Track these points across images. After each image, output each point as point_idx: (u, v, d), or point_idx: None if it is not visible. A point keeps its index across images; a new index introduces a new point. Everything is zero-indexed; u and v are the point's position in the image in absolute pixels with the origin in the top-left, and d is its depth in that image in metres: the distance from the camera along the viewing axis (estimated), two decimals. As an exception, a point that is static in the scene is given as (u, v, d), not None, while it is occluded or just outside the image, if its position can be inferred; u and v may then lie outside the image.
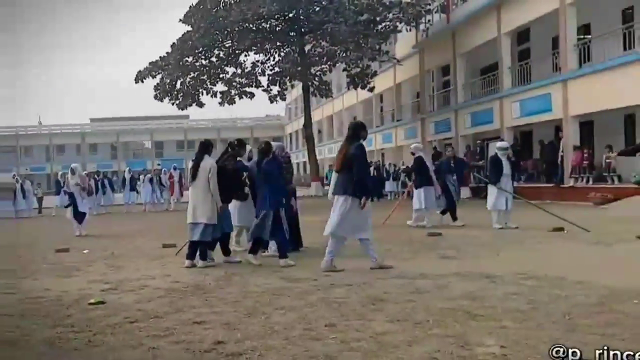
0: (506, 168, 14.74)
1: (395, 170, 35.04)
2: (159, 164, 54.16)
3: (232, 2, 37.80)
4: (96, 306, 7.01)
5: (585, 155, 24.23)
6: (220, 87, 42.33)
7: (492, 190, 14.83)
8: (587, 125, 26.60)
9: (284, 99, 46.49)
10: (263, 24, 39.53)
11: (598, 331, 5.27)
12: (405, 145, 42.30)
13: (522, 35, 31.36)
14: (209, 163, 10.15)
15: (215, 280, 8.66)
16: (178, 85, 41.39)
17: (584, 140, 25.91)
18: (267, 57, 42.26)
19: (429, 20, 38.01)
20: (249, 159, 11.31)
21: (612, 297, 6.61)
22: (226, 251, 10.61)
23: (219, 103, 42.45)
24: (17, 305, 7.23)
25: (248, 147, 11.51)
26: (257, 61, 42.48)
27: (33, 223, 24.53)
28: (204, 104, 42.81)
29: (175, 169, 30.85)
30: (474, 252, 10.86)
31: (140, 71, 40.53)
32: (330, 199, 9.63)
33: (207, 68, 41.25)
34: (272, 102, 43.71)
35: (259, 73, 42.38)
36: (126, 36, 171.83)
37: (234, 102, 42.59)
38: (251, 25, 38.64)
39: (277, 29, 40.20)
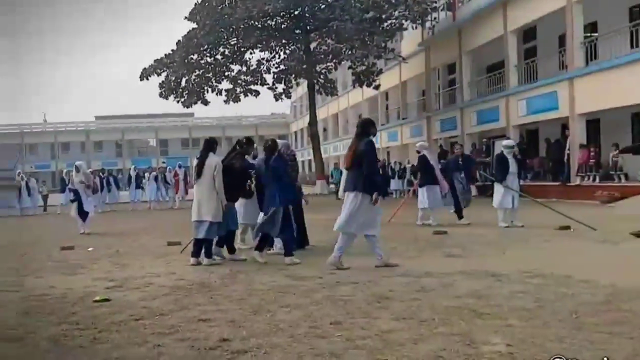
0: (512, 166, 14.69)
1: (400, 168, 34.98)
2: (163, 162, 54.20)
3: (238, -1, 37.78)
4: (101, 304, 7.01)
5: (592, 153, 24.16)
6: (225, 84, 42.42)
7: (498, 189, 14.78)
8: (593, 123, 26.54)
9: (289, 97, 46.55)
10: (268, 22, 39.55)
11: (605, 330, 5.24)
12: (411, 143, 42.24)
13: (528, 33, 31.28)
14: (214, 161, 10.13)
15: (221, 278, 8.65)
16: (183, 83, 41.44)
17: (591, 139, 25.84)
18: (273, 54, 42.25)
19: (435, 18, 37.94)
20: (254, 156, 11.28)
21: (618, 296, 6.58)
22: (231, 249, 10.59)
23: (224, 101, 42.53)
24: (21, 303, 7.23)
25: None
26: (263, 59, 42.50)
27: (38, 221, 24.56)
28: (209, 102, 42.92)
29: (180, 166, 30.80)
30: (480, 250, 10.83)
31: (145, 69, 40.59)
32: (341, 197, 9.60)
33: (212, 66, 41.29)
34: (277, 100, 43.71)
35: (264, 71, 42.41)
36: (131, 33, 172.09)
37: (239, 100, 42.65)
38: (256, 23, 38.67)
39: (283, 26, 40.21)
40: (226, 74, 42.01)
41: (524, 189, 17.49)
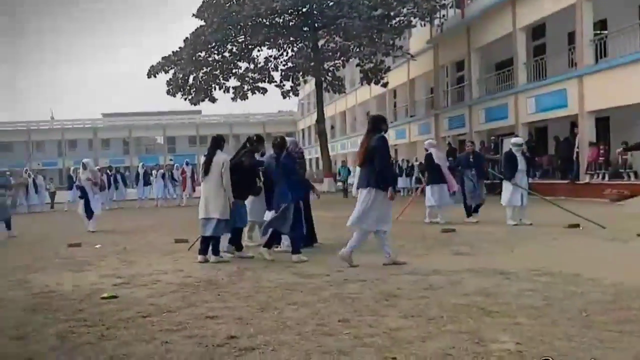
0: (521, 164, 14.65)
1: (408, 166, 34.93)
2: (171, 160, 54.33)
3: (246, -4, 37.77)
4: (108, 300, 7.00)
5: (601, 151, 24.09)
6: (232, 82, 42.49)
7: (507, 186, 14.74)
8: (603, 121, 26.45)
9: (296, 95, 46.51)
10: (276, 19, 39.56)
11: (614, 328, 5.22)
12: (419, 141, 42.22)
13: (537, 30, 31.20)
14: (221, 158, 10.11)
15: (228, 275, 8.64)
16: (191, 81, 41.50)
17: (600, 136, 25.78)
18: (280, 52, 42.29)
19: (443, 15, 37.92)
20: (262, 154, 11.25)
21: (628, 294, 6.55)
22: (238, 246, 10.58)
23: (232, 98, 42.55)
24: (29, 300, 7.23)
25: None
26: (270, 56, 42.53)
27: (45, 218, 24.59)
28: (217, 99, 42.95)
29: (187, 164, 30.77)
30: (488, 248, 10.80)
31: (152, 66, 40.66)
32: (355, 194, 9.56)
33: (219, 63, 41.34)
34: (284, 97, 43.71)
35: (271, 68, 42.45)
36: (139, 31, 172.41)
37: (247, 98, 42.72)
38: (264, 20, 38.68)
39: (291, 24, 40.21)
40: (234, 71, 42.06)
41: (533, 187, 17.43)
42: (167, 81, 41.34)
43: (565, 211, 14.35)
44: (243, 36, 40.20)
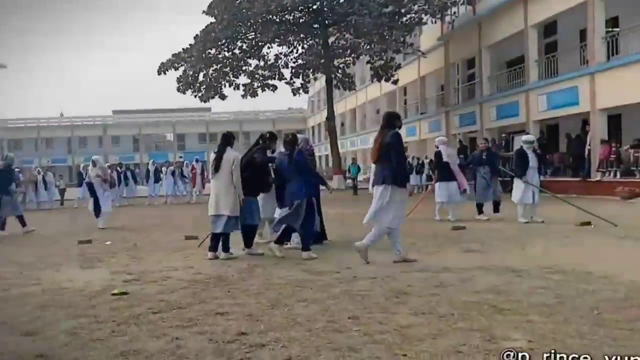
0: (532, 161, 14.60)
1: (418, 163, 34.86)
2: (181, 157, 54.38)
3: (256, -7, 37.76)
4: (119, 297, 7.01)
5: (613, 149, 23.99)
6: (242, 79, 42.48)
7: (518, 184, 14.68)
8: (614, 119, 26.35)
9: (306, 92, 46.58)
10: (286, 16, 39.55)
11: (626, 326, 5.21)
12: (429, 138, 42.14)
13: (549, 27, 31.07)
14: (232, 155, 10.10)
15: (238, 272, 8.64)
16: (201, 78, 41.56)
17: (612, 134, 25.68)
18: (290, 49, 42.28)
19: (454, 12, 37.81)
20: (272, 151, 11.24)
21: (639, 292, 6.52)
22: (248, 243, 10.57)
23: (242, 95, 42.58)
24: (40, 296, 7.23)
25: None
26: (280, 53, 42.56)
27: (55, 215, 24.64)
28: (227, 97, 42.95)
29: (197, 161, 30.79)
30: (499, 246, 10.76)
31: (163, 63, 40.71)
32: (371, 192, 9.53)
33: (229, 60, 41.36)
34: (294, 94, 43.80)
35: (281, 65, 42.45)
36: (149, 28, 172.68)
37: (257, 95, 42.74)
38: (274, 17, 38.67)
39: (301, 20, 40.19)
40: (244, 68, 42.08)
41: (544, 184, 17.36)
42: (177, 78, 41.40)
43: (577, 209, 14.31)
44: (253, 33, 40.21)
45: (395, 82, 41.23)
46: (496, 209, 15.73)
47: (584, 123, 26.88)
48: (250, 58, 41.92)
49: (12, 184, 16.54)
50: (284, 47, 42.06)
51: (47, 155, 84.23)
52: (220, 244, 10.08)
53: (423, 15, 36.46)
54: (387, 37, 36.70)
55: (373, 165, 9.56)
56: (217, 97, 42.56)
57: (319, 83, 60.41)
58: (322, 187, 11.41)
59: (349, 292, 6.91)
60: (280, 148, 10.78)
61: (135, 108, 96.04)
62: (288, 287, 7.35)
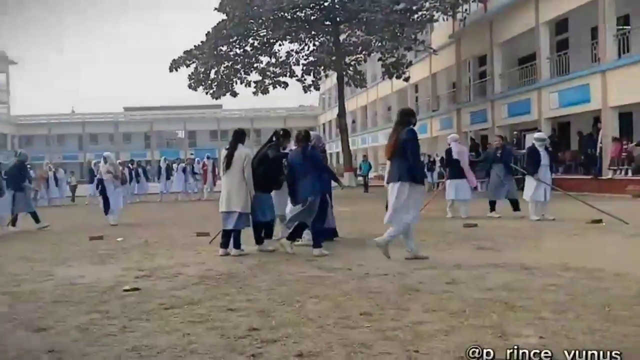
0: (544, 159, 14.56)
1: (429, 161, 34.80)
2: (192, 154, 54.46)
3: (268, -10, 37.75)
4: (131, 293, 7.02)
5: (624, 147, 23.89)
6: (254, 76, 42.46)
7: (530, 182, 14.65)
8: (626, 117, 26.22)
9: (317, 89, 46.45)
10: (298, 13, 39.56)
11: (637, 322, 5.21)
12: (441, 135, 42.15)
13: (560, 25, 30.98)
14: (243, 152, 10.09)
15: (249, 268, 8.64)
16: (212, 75, 41.55)
17: (623, 132, 25.57)
18: (302, 46, 42.29)
19: (466, 10, 37.68)
20: (284, 148, 11.22)
21: (651, 289, 6.51)
22: (259, 240, 10.57)
23: (253, 92, 42.54)
24: (51, 292, 7.25)
25: None
26: (292, 50, 42.56)
27: (66, 211, 24.70)
28: (238, 94, 42.92)
29: (208, 158, 30.76)
30: (511, 243, 10.73)
31: (174, 60, 40.72)
32: (387, 187, 9.48)
33: (241, 57, 41.37)
34: (306, 92, 43.77)
35: (293, 62, 42.44)
36: (161, 24, 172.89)
37: (268, 92, 42.66)
38: (286, 14, 38.69)
39: (312, 18, 40.16)
40: (255, 65, 42.08)
41: (555, 182, 17.30)
42: (189, 75, 41.44)
43: (588, 206, 14.26)
44: (265, 30, 40.22)
45: (406, 80, 41.16)
46: (516, 207, 15.56)
47: (596, 121, 26.83)
48: (261, 55, 41.92)
49: (26, 180, 16.60)
50: (296, 44, 42.11)
51: (58, 152, 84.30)
52: (232, 240, 10.09)
53: (434, 13, 36.43)
54: (398, 34, 36.62)
55: (388, 162, 9.50)
56: (228, 94, 42.57)
57: (330, 80, 60.41)
58: (333, 184, 11.39)
59: (361, 288, 6.90)
60: (291, 146, 10.76)
61: (146, 105, 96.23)
62: (299, 283, 7.35)
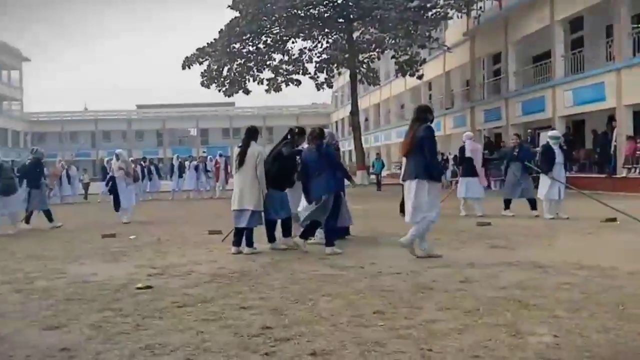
0: (559, 157, 14.51)
1: (442, 159, 34.71)
2: (204, 152, 54.50)
3: (281, -13, 37.70)
4: (143, 291, 7.02)
5: (639, 145, 23.75)
6: (267, 74, 42.45)
7: (544, 180, 14.59)
8: (641, 115, 26.09)
9: (330, 87, 46.42)
10: (311, 10, 39.51)
11: (651, 321, 5.18)
12: (454, 133, 42.02)
13: (575, 23, 30.81)
14: (256, 149, 10.06)
15: (262, 266, 8.64)
16: (225, 72, 41.56)
17: (638, 130, 25.43)
18: (315, 43, 42.23)
19: (480, 7, 37.50)
20: (297, 146, 11.17)
21: (666, 288, 6.48)
22: (272, 238, 10.55)
23: (266, 90, 42.52)
24: (64, 290, 7.26)
25: None
26: (305, 48, 42.52)
27: (79, 209, 24.76)
28: (251, 91, 42.91)
29: (221, 155, 30.73)
30: (524, 241, 10.71)
31: (187, 57, 40.76)
32: (404, 185, 9.43)
33: (254, 55, 41.35)
34: (318, 89, 43.67)
35: (306, 60, 42.41)
36: (174, 21, 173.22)
37: (281, 90, 42.67)
38: (299, 12, 38.65)
39: (326, 15, 40.11)
40: (268, 63, 42.08)
41: (570, 180, 17.22)
42: (202, 73, 41.47)
43: (603, 205, 14.18)
44: (278, 28, 40.19)
45: (420, 77, 41.01)
46: (533, 206, 15.45)
47: (610, 119, 26.67)
48: (274, 52, 41.91)
49: (42, 178, 16.65)
50: (309, 41, 42.01)
51: (70, 149, 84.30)
52: (244, 238, 10.08)
53: (449, 10, 36.34)
54: (412, 31, 36.47)
55: (404, 159, 9.46)
56: (241, 91, 42.58)
57: (343, 78, 60.26)
58: (346, 182, 11.35)
59: (374, 287, 6.89)
60: (303, 144, 10.71)
61: (159, 102, 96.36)
62: (312, 281, 7.33)
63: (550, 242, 10.55)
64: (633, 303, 5.81)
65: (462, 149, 16.17)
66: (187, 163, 30.69)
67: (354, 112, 42.67)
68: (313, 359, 4.46)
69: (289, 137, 10.65)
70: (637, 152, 23.72)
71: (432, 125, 9.13)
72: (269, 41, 41.13)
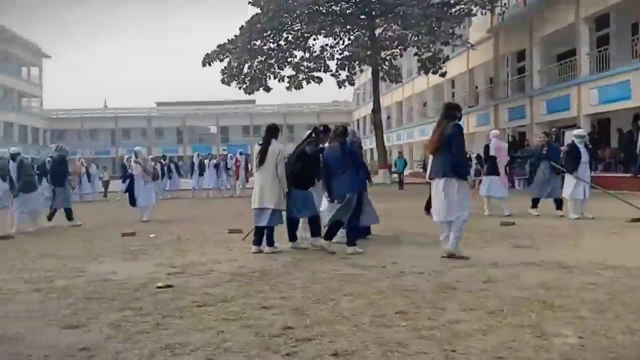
0: (584, 156, 14.39)
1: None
2: (224, 149, 54.77)
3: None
4: (164, 290, 7.02)
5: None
6: (288, 71, 42.34)
7: (569, 179, 14.46)
8: (667, 114, 25.83)
9: (352, 84, 46.24)
10: (333, 7, 39.37)
11: (678, 322, 5.13)
12: (478, 132, 41.81)
13: (600, 20, 30.49)
14: (277, 147, 10.01)
15: (283, 265, 8.61)
16: (245, 69, 41.47)
17: (664, 129, 25.15)
18: (337, 40, 42.05)
19: (504, 4, 37.19)
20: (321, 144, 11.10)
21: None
22: (293, 237, 10.50)
23: (286, 88, 42.42)
24: (84, 288, 7.26)
25: None
26: (326, 45, 42.35)
27: (98, 207, 24.81)
28: (271, 89, 42.79)
29: (241, 153, 30.68)
30: (549, 241, 10.62)
31: (207, 54, 40.71)
32: (431, 183, 9.34)
33: (275, 52, 41.24)
34: (340, 87, 43.51)
35: (327, 57, 42.26)
36: (194, 18, 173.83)
37: (302, 87, 42.52)
38: (321, 8, 38.50)
39: (348, 11, 39.97)
40: (289, 60, 41.97)
41: (594, 180, 17.04)
42: (222, 70, 41.40)
43: (628, 205, 14.07)
44: (299, 24, 40.08)
45: (443, 75, 40.72)
46: (559, 206, 15.28)
47: (635, 118, 26.42)
48: (295, 49, 41.80)
49: (67, 175, 16.71)
50: (330, 38, 41.84)
51: (90, 147, 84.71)
52: (265, 237, 10.03)
53: (472, 7, 36.09)
54: (435, 28, 36.28)
55: (431, 157, 9.38)
56: (261, 89, 42.50)
57: (365, 75, 60.16)
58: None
59: (396, 286, 6.84)
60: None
61: (178, 100, 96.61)
62: (334, 281, 7.29)
63: (575, 242, 10.47)
64: (659, 304, 5.75)
65: (487, 147, 16.07)
66: (206, 161, 30.69)
67: (376, 109, 42.48)
68: (335, 359, 4.42)
69: (313, 135, 10.56)
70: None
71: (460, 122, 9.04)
72: (290, 38, 41.02)
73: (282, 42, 41.10)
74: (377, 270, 7.97)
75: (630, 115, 27.36)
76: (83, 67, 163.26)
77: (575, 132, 15.57)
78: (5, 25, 67.59)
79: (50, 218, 16.03)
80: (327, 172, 9.99)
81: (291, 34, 40.84)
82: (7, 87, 71.24)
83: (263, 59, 41.39)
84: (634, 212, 13.40)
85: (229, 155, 31.29)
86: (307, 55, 42.05)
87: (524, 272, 7.53)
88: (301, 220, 10.71)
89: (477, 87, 45.76)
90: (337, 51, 42.42)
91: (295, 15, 38.82)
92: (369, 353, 4.50)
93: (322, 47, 42.35)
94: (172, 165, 31.59)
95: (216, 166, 29.95)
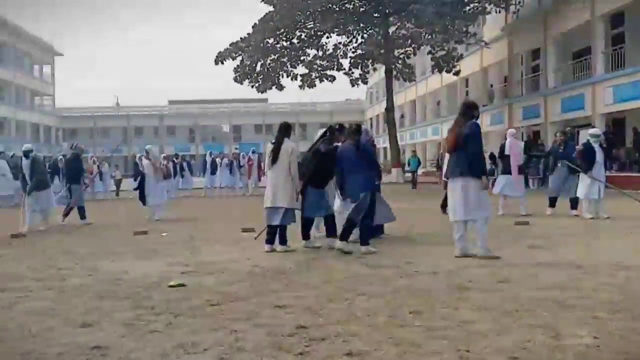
0: (599, 155, 14.28)
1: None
2: (236, 148, 54.69)
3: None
4: (176, 288, 7.01)
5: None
6: (300, 69, 42.20)
7: (584, 179, 14.37)
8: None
9: (365, 83, 46.11)
10: (346, 5, 39.31)
11: (694, 322, 5.10)
12: (491, 131, 41.61)
13: (616, 18, 30.35)
14: (290, 146, 9.99)
15: (296, 264, 8.59)
16: (258, 68, 41.40)
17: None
18: (350, 39, 41.91)
19: (519, 2, 37.00)
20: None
21: None
22: (306, 236, 10.47)
23: (299, 86, 42.29)
24: (96, 287, 7.27)
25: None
26: (339, 43, 42.17)
27: (110, 205, 24.85)
28: (284, 87, 42.72)
29: (254, 152, 30.66)
30: (564, 241, 10.55)
31: (220, 52, 40.68)
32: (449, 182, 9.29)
33: (288, 50, 41.18)
34: (353, 85, 43.39)
35: (340, 55, 42.09)
36: (207, 16, 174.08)
37: (315, 86, 42.39)
38: (334, 6, 38.44)
39: (361, 9, 39.88)
40: (302, 58, 41.85)
41: (609, 179, 16.93)
42: (235, 68, 41.38)
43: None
44: (312, 22, 40.02)
45: (457, 74, 40.53)
46: (574, 206, 15.21)
47: (651, 117, 26.29)
48: (308, 48, 41.70)
49: (82, 173, 16.74)
50: (343, 36, 41.71)
51: (102, 145, 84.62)
52: (278, 236, 10.01)
53: (487, 5, 35.96)
54: (449, 26, 36.18)
55: (447, 156, 9.33)
56: (274, 87, 42.44)
57: (378, 74, 60.01)
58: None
59: (410, 286, 6.82)
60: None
61: (191, 98, 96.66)
62: (347, 280, 7.27)
63: (589, 242, 10.41)
64: (675, 304, 5.72)
65: (502, 146, 16.01)
66: (218, 160, 30.70)
67: (389, 108, 42.39)
68: (349, 359, 4.40)
69: (327, 134, 10.52)
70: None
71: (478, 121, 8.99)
72: (303, 36, 40.97)
73: (295, 41, 41.05)
74: (391, 269, 7.93)
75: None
76: (95, 65, 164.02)
77: (590, 131, 15.49)
78: (17, 23, 67.79)
79: (66, 216, 16.05)
80: (340, 170, 9.94)
81: (304, 32, 40.80)
82: (19, 86, 71.37)
83: (276, 57, 41.34)
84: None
85: (241, 154, 31.27)
86: (320, 53, 41.92)
87: (538, 272, 7.49)
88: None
89: (491, 86, 45.54)
90: (351, 49, 42.28)
91: (308, 13, 38.80)
92: (383, 353, 4.48)
93: (335, 45, 42.22)
94: (185, 164, 31.64)
95: (229, 165, 29.95)
